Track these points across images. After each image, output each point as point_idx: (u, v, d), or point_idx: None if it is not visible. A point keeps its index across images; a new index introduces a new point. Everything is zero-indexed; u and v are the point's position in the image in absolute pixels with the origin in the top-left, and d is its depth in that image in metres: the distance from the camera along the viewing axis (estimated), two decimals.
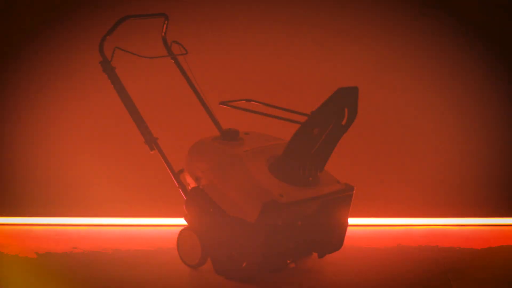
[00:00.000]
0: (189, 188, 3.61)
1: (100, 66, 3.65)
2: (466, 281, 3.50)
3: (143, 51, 3.73)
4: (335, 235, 3.59)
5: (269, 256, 3.40)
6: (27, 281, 3.53)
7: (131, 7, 4.14)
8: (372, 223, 4.32)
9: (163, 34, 3.89)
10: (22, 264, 3.72)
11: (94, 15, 4.23)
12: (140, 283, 3.48)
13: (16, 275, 3.60)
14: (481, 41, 4.26)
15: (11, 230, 4.23)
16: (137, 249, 3.91)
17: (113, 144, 4.29)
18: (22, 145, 4.32)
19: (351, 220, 3.67)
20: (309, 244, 3.55)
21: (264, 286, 3.44)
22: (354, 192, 3.55)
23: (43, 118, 4.31)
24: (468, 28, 4.25)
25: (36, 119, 4.31)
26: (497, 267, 3.70)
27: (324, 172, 3.53)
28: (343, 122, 3.32)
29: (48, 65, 4.28)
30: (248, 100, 3.68)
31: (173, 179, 3.63)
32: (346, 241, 3.64)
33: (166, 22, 3.87)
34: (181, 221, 3.71)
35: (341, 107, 3.29)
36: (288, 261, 3.51)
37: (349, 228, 3.63)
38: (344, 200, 3.53)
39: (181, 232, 3.65)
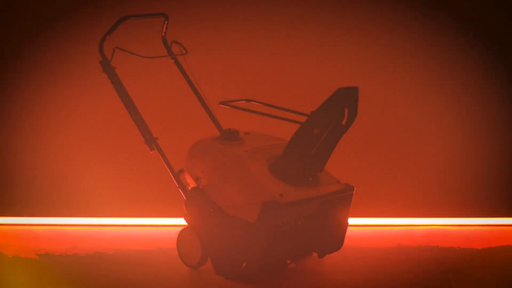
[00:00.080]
0: (189, 188, 3.61)
1: (100, 66, 3.65)
2: (466, 281, 3.50)
3: (143, 51, 3.73)
4: (335, 235, 3.59)
5: (269, 256, 3.40)
6: (27, 281, 3.53)
7: (131, 7, 4.14)
8: (372, 223, 4.31)
9: (163, 34, 3.89)
10: (22, 264, 3.72)
11: (94, 15, 4.23)
12: (140, 283, 3.48)
13: (16, 275, 3.60)
14: (481, 41, 4.26)
15: (11, 230, 4.23)
16: (137, 249, 3.91)
17: (113, 144, 4.29)
18: (22, 145, 4.31)
19: (351, 220, 3.67)
20: (309, 244, 3.55)
21: (264, 286, 3.44)
22: (354, 192, 3.55)
23: (43, 118, 4.31)
24: (468, 28, 4.25)
25: (36, 119, 4.31)
26: (497, 267, 3.70)
27: (324, 172, 3.53)
28: (343, 122, 3.32)
29: (48, 64, 4.28)
30: (248, 100, 3.68)
31: (173, 179, 3.63)
32: (346, 241, 3.64)
33: (166, 22, 3.87)
34: (181, 221, 3.71)
35: (341, 107, 3.29)
36: (288, 261, 3.51)
37: (349, 228, 3.63)
38: (344, 200, 3.53)
39: (181, 232, 3.65)
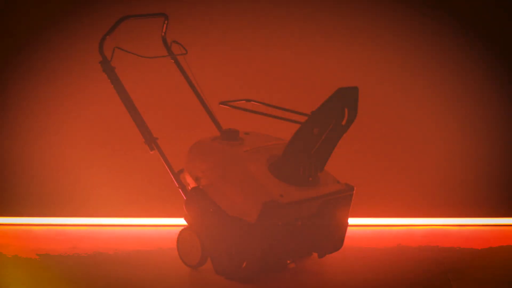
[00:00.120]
0: (189, 188, 3.61)
1: (100, 66, 3.65)
2: (466, 281, 3.49)
3: (143, 51, 3.73)
4: (335, 235, 3.59)
5: (269, 256, 3.40)
6: (27, 281, 3.52)
7: (131, 7, 4.14)
8: (372, 223, 4.31)
9: (163, 34, 3.89)
10: (22, 264, 3.72)
11: (94, 14, 4.22)
12: (140, 283, 3.47)
13: (16, 275, 3.60)
14: (481, 41, 4.26)
15: (11, 230, 4.23)
16: (137, 249, 3.91)
17: (113, 144, 4.29)
18: (22, 145, 4.31)
19: (351, 220, 3.67)
20: (309, 244, 3.55)
21: (264, 286, 3.43)
22: (354, 192, 3.55)
23: (43, 118, 4.30)
24: (468, 28, 4.25)
25: (36, 120, 4.30)
26: (497, 267, 3.70)
27: (324, 172, 3.53)
28: (343, 122, 3.32)
29: (48, 64, 4.27)
30: (248, 100, 3.68)
31: (173, 179, 3.63)
32: (346, 241, 3.64)
33: (166, 22, 3.87)
34: (181, 221, 3.71)
35: (341, 107, 3.29)
36: (288, 261, 3.51)
37: (349, 228, 3.62)
38: (344, 200, 3.53)
39: (181, 232, 3.65)
